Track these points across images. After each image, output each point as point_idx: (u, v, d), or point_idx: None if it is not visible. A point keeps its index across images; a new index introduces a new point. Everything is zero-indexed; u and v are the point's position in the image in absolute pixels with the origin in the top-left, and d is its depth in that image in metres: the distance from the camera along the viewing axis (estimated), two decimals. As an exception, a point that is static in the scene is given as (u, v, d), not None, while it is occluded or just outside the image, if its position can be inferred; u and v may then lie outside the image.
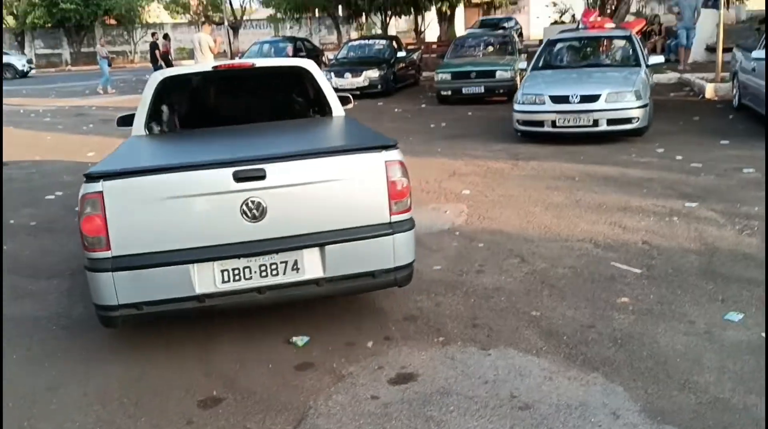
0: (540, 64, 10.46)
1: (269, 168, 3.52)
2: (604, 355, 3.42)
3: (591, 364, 3.33)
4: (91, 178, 3.47)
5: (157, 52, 21.65)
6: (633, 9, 25.10)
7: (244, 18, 44.69)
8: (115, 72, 32.88)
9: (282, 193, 3.57)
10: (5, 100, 19.47)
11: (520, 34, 31.96)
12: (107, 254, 3.47)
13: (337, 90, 5.65)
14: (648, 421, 2.85)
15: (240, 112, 5.57)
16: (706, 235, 5.06)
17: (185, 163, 3.67)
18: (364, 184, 3.70)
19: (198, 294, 3.54)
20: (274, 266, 3.63)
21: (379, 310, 4.14)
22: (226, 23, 25.50)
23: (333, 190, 3.66)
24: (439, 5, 21.08)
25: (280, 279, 3.63)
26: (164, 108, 5.47)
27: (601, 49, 10.70)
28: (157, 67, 20.77)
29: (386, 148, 3.75)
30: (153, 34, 20.98)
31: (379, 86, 16.06)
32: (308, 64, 5.50)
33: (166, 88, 5.25)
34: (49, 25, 40.81)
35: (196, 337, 3.90)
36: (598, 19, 12.22)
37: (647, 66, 9.62)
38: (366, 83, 15.99)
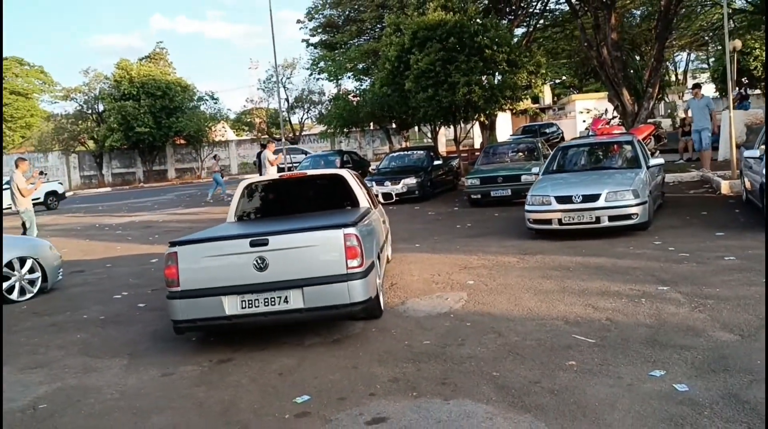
0: (553, 167, 11.50)
1: (271, 238, 5.65)
2: (539, 402, 4.22)
3: (526, 408, 4.14)
4: (172, 244, 5.83)
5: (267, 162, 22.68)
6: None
7: (303, 133, 47.85)
8: (183, 187, 35.66)
9: (278, 253, 5.62)
10: (84, 217, 21.63)
11: (561, 139, 33.35)
12: (178, 289, 5.69)
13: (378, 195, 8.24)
14: (556, 446, 3.64)
15: (296, 205, 7.93)
16: (662, 312, 5.81)
17: (223, 235, 6.11)
18: (330, 249, 5.65)
19: (227, 315, 5.61)
20: (272, 299, 5.61)
21: (372, 374, 5.04)
22: (282, 139, 27.68)
23: (310, 252, 5.67)
24: (476, 116, 22.52)
25: (276, 308, 5.61)
26: (247, 202, 7.92)
27: (606, 153, 11.67)
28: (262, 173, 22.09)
29: (345, 226, 5.71)
30: (262, 145, 22.21)
31: (417, 192, 17.27)
32: (344, 172, 7.94)
33: (248, 190, 7.92)
34: (125, 146, 44.57)
35: (222, 399, 4.88)
36: (606, 126, 13.27)
37: (648, 167, 10.51)
38: (404, 190, 17.24)
